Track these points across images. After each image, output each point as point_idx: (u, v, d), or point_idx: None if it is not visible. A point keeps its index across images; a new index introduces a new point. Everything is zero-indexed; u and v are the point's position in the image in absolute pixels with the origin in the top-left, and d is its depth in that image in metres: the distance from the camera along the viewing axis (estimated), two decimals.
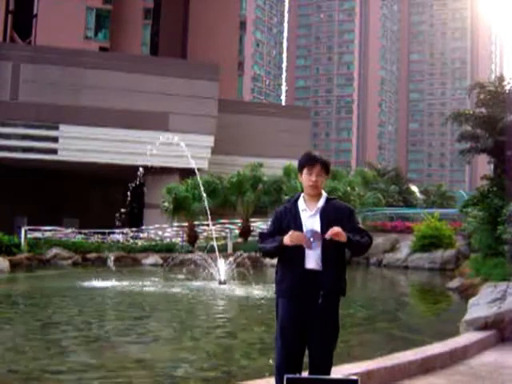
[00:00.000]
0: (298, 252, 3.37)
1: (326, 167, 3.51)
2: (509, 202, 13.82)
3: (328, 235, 3.31)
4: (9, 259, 18.08)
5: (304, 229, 3.42)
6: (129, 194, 17.78)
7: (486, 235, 15.12)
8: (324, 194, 3.56)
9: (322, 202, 3.52)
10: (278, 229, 3.49)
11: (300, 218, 3.47)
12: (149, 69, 31.91)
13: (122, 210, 17.81)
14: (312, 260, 3.39)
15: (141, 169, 17.95)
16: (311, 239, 3.34)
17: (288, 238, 3.33)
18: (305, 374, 3.45)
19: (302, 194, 3.59)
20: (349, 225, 3.45)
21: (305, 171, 3.50)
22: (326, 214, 3.47)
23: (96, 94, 30.21)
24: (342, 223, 3.41)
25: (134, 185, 18.17)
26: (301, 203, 3.53)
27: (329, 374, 3.43)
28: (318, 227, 3.42)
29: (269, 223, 3.75)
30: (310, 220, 3.46)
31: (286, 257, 3.42)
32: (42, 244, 21.07)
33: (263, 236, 3.57)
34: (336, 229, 3.31)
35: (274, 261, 3.61)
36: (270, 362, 5.89)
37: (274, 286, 3.57)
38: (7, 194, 30.68)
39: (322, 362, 3.44)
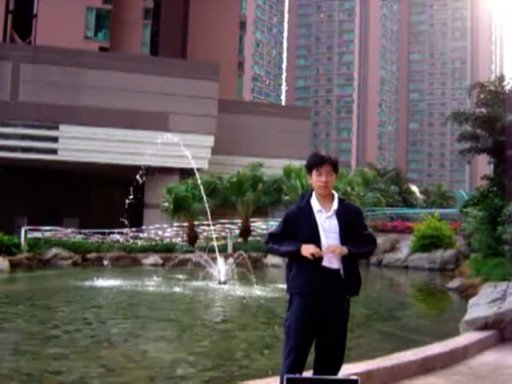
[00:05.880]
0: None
1: (334, 166, 3.48)
2: (509, 202, 13.82)
3: (326, 252, 3.33)
4: (9, 259, 18.08)
5: (320, 229, 3.40)
6: (130, 193, 17.74)
7: (486, 235, 15.12)
8: (336, 195, 3.54)
9: (336, 204, 3.50)
10: (291, 230, 3.45)
11: (315, 219, 3.43)
12: (149, 69, 31.87)
13: (125, 210, 17.76)
14: (329, 258, 3.38)
15: (146, 167, 17.76)
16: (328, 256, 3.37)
17: (306, 251, 3.30)
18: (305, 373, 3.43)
19: (314, 193, 3.54)
20: (359, 227, 3.50)
21: (314, 172, 3.47)
22: (342, 215, 3.46)
23: (96, 94, 30.18)
24: (356, 225, 3.48)
25: (134, 185, 18.14)
26: (315, 203, 3.49)
27: (337, 373, 3.42)
28: (336, 229, 3.41)
29: (273, 223, 3.70)
30: (328, 221, 3.44)
31: (302, 255, 3.36)
32: (41, 244, 21.02)
33: (274, 237, 3.52)
34: (333, 246, 3.34)
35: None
36: (267, 371, 5.89)
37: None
38: (7, 194, 30.63)
39: (336, 360, 3.44)
